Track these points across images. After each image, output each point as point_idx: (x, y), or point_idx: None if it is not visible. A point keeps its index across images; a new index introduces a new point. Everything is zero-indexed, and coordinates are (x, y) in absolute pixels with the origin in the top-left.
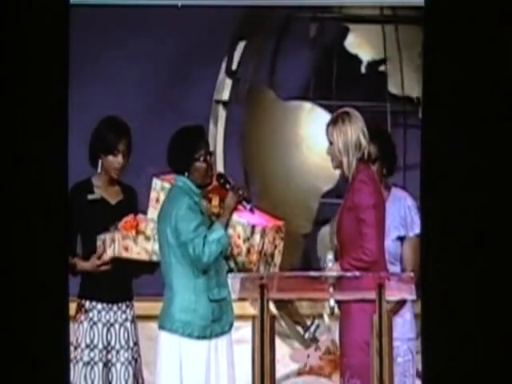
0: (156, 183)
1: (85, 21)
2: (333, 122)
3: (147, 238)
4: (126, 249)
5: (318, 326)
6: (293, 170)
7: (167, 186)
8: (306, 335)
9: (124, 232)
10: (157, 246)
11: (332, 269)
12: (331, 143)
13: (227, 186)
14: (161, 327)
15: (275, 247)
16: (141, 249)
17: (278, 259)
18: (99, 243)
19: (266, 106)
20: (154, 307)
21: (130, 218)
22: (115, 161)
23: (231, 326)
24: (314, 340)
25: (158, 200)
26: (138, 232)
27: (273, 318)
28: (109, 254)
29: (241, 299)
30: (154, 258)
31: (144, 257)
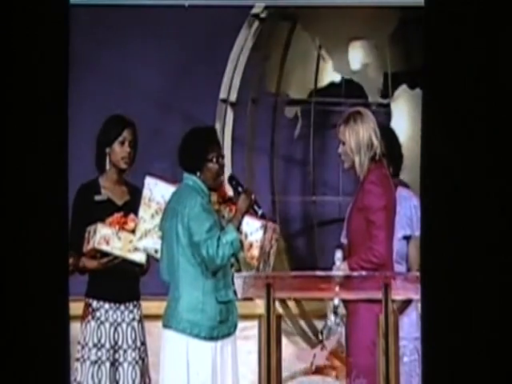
0: (149, 182)
1: (85, 21)
2: (344, 122)
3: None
4: (108, 242)
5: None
6: None
7: (160, 183)
8: (324, 333)
9: (108, 226)
10: (141, 245)
11: (340, 267)
12: (343, 143)
13: (239, 189)
14: (166, 326)
15: (271, 247)
16: (124, 245)
17: (272, 260)
18: (86, 234)
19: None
20: (152, 306)
21: (119, 215)
22: (122, 149)
23: (236, 327)
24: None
25: (150, 199)
26: (122, 229)
27: (279, 317)
28: (90, 244)
29: (247, 299)
30: (136, 257)
31: (125, 254)
